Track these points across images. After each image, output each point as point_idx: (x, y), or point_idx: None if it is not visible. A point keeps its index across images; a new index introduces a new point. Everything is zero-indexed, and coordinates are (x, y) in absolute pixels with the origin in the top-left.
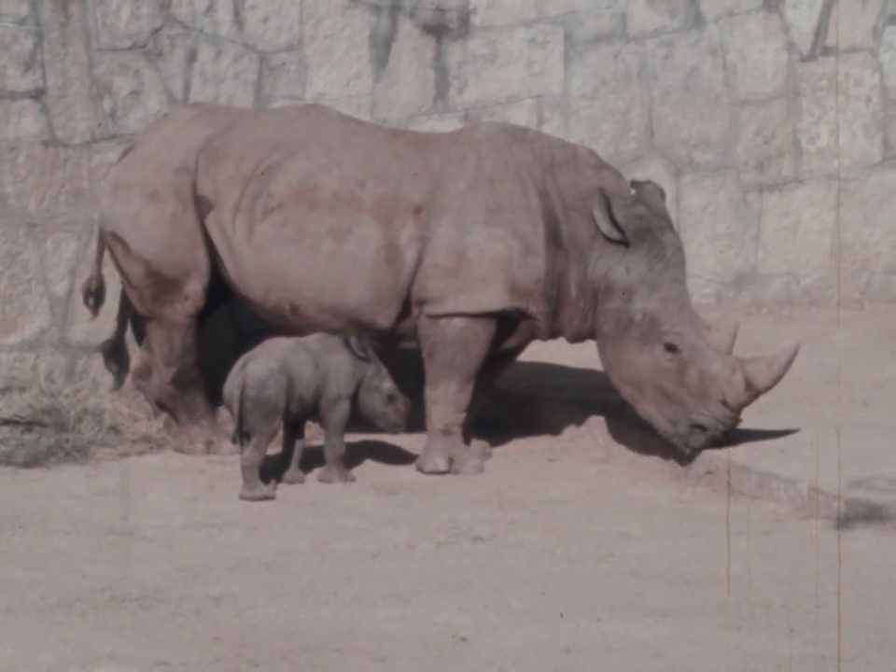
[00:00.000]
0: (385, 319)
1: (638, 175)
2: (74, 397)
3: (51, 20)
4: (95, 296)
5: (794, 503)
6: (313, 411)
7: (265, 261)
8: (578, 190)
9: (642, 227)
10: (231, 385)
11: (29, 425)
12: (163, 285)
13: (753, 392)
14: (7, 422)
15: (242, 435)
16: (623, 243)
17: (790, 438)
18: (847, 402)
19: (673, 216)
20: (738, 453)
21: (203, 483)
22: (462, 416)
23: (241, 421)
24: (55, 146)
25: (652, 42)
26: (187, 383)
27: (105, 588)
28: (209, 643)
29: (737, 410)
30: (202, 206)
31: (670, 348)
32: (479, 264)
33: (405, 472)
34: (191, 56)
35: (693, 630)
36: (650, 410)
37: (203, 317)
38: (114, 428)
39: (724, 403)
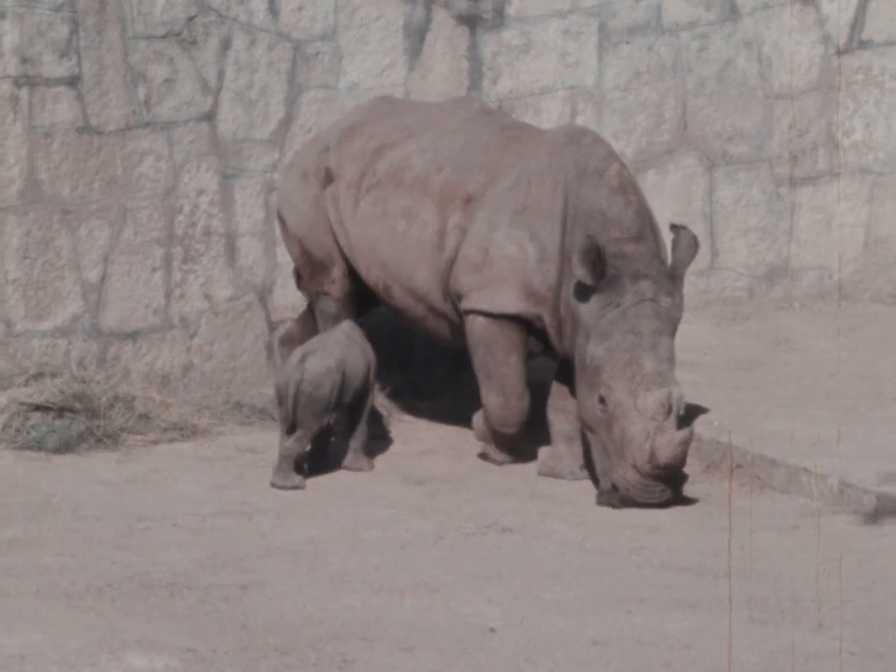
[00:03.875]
0: (451, 310)
1: (671, 168)
2: (105, 383)
3: (87, 7)
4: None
5: (825, 497)
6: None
7: (364, 237)
8: (588, 206)
9: (611, 273)
10: (287, 379)
11: (60, 411)
12: (314, 266)
13: (654, 464)
14: (38, 408)
15: (288, 426)
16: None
17: (821, 432)
18: (879, 397)
19: (706, 209)
20: (769, 447)
21: (232, 471)
22: (508, 431)
23: (291, 413)
24: (89, 133)
25: (687, 34)
26: None
27: (134, 574)
28: (237, 630)
29: (647, 477)
30: (327, 179)
31: (601, 400)
32: (498, 263)
33: (435, 462)
34: (226, 44)
35: (721, 623)
36: (594, 456)
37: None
38: (145, 416)
39: (635, 468)
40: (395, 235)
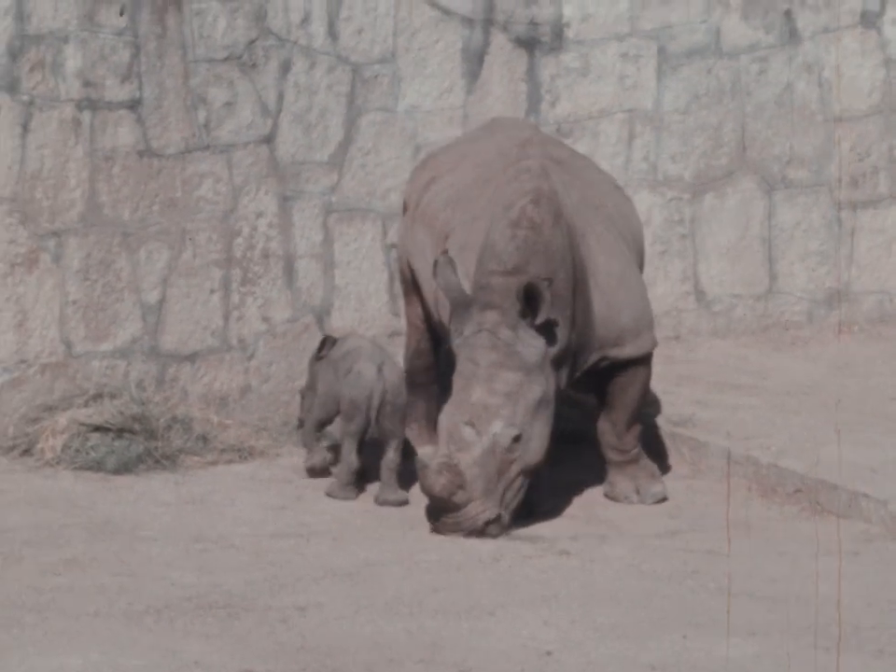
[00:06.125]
0: None
1: (730, 192)
2: (164, 405)
3: (148, 31)
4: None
5: (885, 523)
6: None
7: (415, 267)
8: (490, 240)
9: (465, 301)
10: (369, 390)
11: (119, 432)
12: (406, 287)
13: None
14: (97, 429)
15: (366, 441)
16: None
17: (881, 457)
18: None
19: (765, 233)
20: (828, 471)
21: (290, 492)
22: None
23: (371, 425)
24: (150, 156)
25: (747, 57)
26: (414, 384)
27: (192, 595)
28: (294, 652)
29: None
30: (405, 207)
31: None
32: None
33: None
34: (285, 67)
35: (779, 650)
36: None
37: None
38: (203, 437)
39: None
40: (419, 269)
